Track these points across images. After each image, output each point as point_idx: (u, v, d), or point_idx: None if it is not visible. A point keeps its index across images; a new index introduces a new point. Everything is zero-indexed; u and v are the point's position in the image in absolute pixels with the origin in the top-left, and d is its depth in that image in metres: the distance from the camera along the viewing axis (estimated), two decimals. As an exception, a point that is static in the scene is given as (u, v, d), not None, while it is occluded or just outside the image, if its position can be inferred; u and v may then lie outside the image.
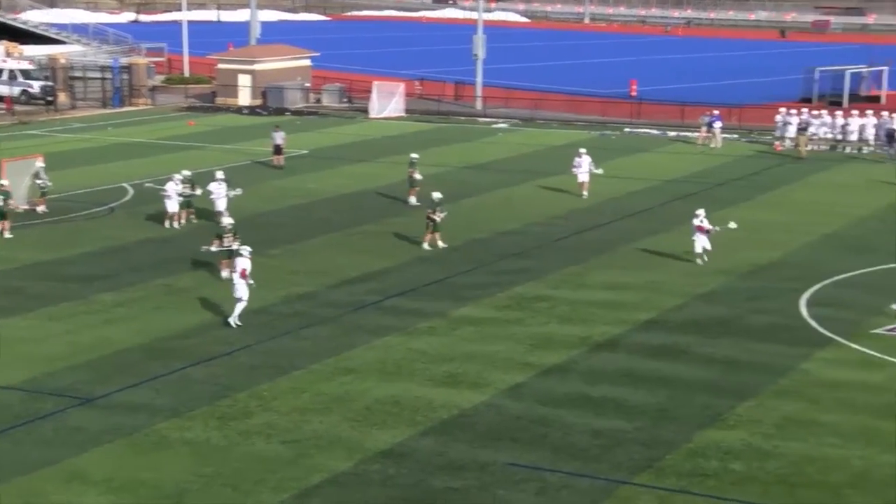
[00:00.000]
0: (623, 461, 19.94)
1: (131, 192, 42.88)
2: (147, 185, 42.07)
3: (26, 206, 39.91)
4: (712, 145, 55.94)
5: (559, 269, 32.98)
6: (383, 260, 33.87)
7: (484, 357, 25.40)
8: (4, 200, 36.94)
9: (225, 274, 30.52)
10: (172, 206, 37.68)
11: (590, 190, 43.38)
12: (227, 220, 31.57)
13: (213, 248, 30.89)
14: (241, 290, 27.24)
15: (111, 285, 30.97)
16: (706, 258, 32.98)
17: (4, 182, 37.85)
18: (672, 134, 60.74)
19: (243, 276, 27.14)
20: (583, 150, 44.21)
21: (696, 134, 57.71)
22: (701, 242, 32.97)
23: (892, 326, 27.42)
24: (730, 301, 29.74)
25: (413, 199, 41.45)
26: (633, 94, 73.84)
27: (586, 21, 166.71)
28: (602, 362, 25.16)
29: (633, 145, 57.21)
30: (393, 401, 22.75)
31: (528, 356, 25.45)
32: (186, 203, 38.29)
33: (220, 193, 37.87)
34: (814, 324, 27.74)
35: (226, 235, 30.75)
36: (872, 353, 25.63)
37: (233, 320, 27.27)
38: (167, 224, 37.69)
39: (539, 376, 24.21)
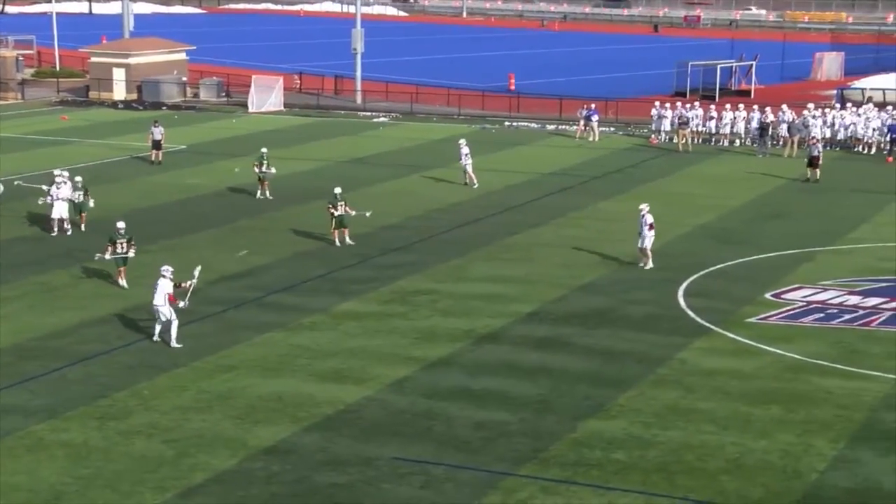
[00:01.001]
0: (506, 453, 20.12)
1: (1, 188, 41.61)
2: (17, 183, 40.23)
3: None
4: (590, 139, 56.74)
5: (441, 262, 33.11)
6: (264, 256, 33.57)
7: (368, 352, 25.38)
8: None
9: (122, 283, 29.67)
10: (60, 210, 35.30)
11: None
12: (121, 225, 30.30)
13: (107, 256, 29.69)
14: (169, 313, 25.53)
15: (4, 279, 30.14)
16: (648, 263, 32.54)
17: None
18: (551, 127, 61.44)
19: (172, 301, 25.49)
20: (462, 141, 45.12)
21: (574, 127, 58.46)
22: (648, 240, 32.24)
23: (764, 315, 28.19)
24: (608, 292, 30.23)
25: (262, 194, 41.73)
26: (512, 87, 74.46)
27: (464, 15, 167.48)
28: (485, 355, 25.34)
29: (513, 139, 57.70)
30: (276, 397, 22.59)
31: (412, 350, 25.51)
32: (79, 208, 36.07)
33: (57, 196, 35.39)
34: (690, 314, 28.37)
35: (119, 241, 29.66)
36: (746, 341, 26.32)
37: (174, 343, 25.44)
38: (55, 231, 35.26)
39: (423, 370, 24.28)
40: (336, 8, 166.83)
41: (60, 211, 35.38)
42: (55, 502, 18.06)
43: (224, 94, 73.19)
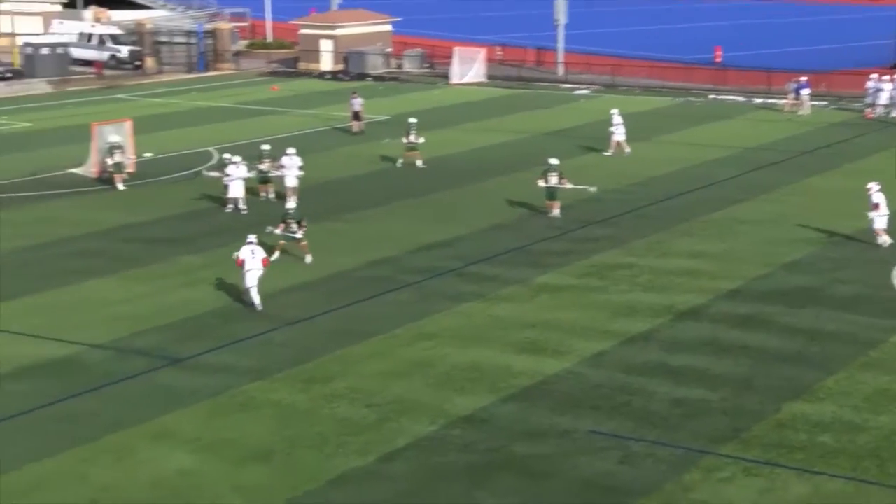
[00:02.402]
0: (706, 431, 19.77)
1: (216, 156, 43.26)
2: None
3: (93, 173, 39.98)
4: (800, 112, 54.95)
5: (641, 237, 32.71)
6: (463, 226, 33.87)
7: (565, 325, 25.32)
8: (121, 153, 38.46)
9: (276, 255, 29.77)
10: (236, 190, 35.41)
11: (674, 157, 42.99)
12: (290, 206, 30.79)
13: (278, 231, 30.36)
14: (258, 278, 26.22)
15: (195, 248, 31.40)
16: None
17: (118, 138, 38.92)
18: (758, 101, 59.77)
19: (265, 264, 26.40)
20: (615, 111, 45.49)
21: (783, 101, 56.72)
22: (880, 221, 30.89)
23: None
24: (814, 271, 29.27)
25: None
26: (718, 60, 72.72)
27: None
28: (685, 331, 24.94)
29: (718, 112, 56.40)
30: (474, 367, 22.80)
31: (610, 324, 25.32)
32: (265, 179, 36.74)
33: (234, 176, 35.47)
34: (903, 295, 27.22)
35: (289, 220, 30.08)
36: (963, 326, 25.07)
37: (258, 304, 26.22)
38: (229, 209, 35.40)
39: (621, 345, 24.08)
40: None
41: (236, 191, 35.37)
42: (264, 459, 18.73)
43: (427, 65, 74.01)
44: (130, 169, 40.35)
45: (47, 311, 26.16)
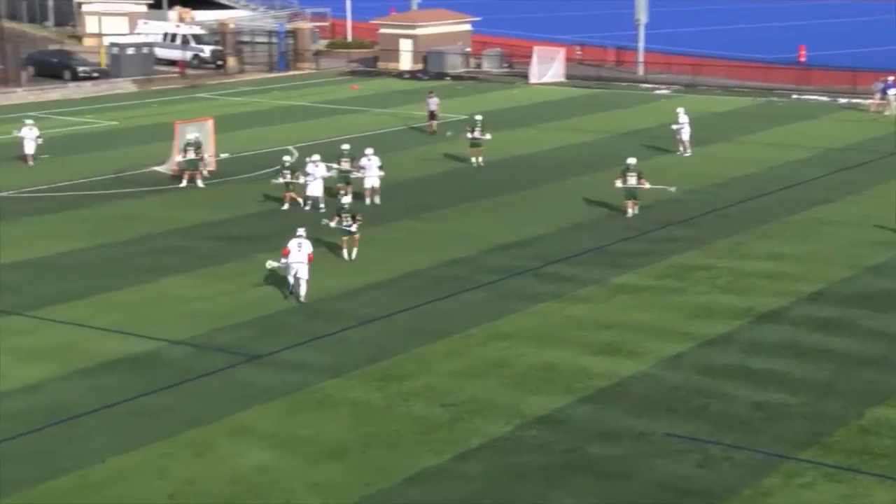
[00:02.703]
0: (786, 435, 19.47)
1: (296, 154, 43.63)
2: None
3: (175, 171, 40.41)
4: (886, 113, 53.90)
5: (721, 238, 32.34)
6: (541, 226, 33.76)
7: (642, 326, 25.12)
8: (195, 152, 38.72)
9: (345, 255, 30.18)
10: (315, 188, 35.53)
11: (755, 158, 42.46)
12: (346, 200, 30.96)
13: (332, 224, 30.47)
14: (306, 272, 26.71)
15: (274, 246, 31.57)
16: None
17: (196, 136, 39.42)
18: (843, 101, 58.75)
19: (311, 260, 26.74)
20: (680, 110, 44.93)
21: (869, 101, 55.69)
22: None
23: None
24: (901, 275, 28.70)
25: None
26: (802, 59, 71.62)
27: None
28: (765, 334, 24.60)
29: (801, 112, 55.56)
30: (549, 367, 22.71)
31: (688, 326, 25.07)
32: (346, 178, 36.73)
33: (315, 175, 35.46)
34: None
35: (344, 214, 30.11)
36: None
37: (303, 299, 26.68)
38: (307, 207, 35.47)
39: (699, 347, 23.83)
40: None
41: (315, 190, 35.45)
42: (340, 456, 18.84)
43: (506, 64, 73.92)
44: (211, 167, 40.87)
45: (129, 307, 26.59)
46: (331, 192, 36.50)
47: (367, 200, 35.62)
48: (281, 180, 36.05)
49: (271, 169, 41.80)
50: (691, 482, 17.92)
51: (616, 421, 20.13)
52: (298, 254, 26.63)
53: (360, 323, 25.43)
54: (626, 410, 20.61)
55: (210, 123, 42.25)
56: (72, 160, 44.15)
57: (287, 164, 36.26)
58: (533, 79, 68.17)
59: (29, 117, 45.96)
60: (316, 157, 36.04)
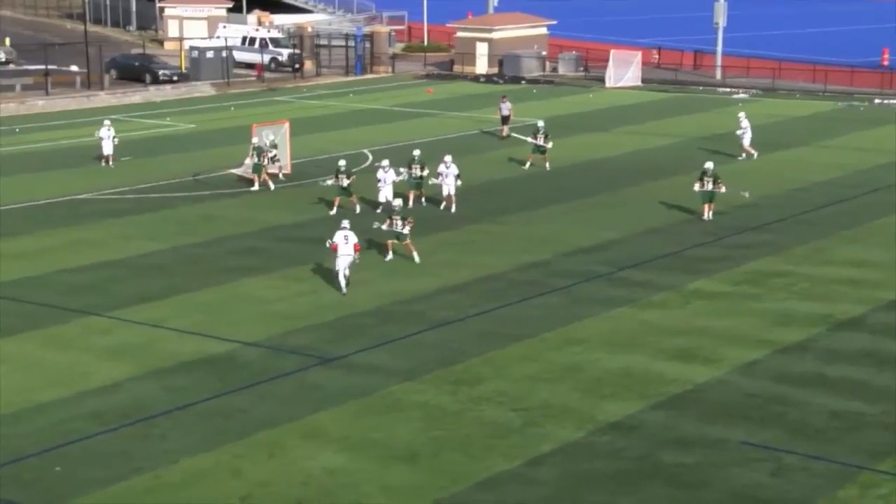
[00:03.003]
0: (864, 445, 19.11)
1: (371, 158, 43.84)
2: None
3: (243, 173, 40.70)
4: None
5: (800, 243, 31.87)
6: (616, 230, 33.54)
7: (718, 332, 24.83)
8: (258, 156, 38.92)
9: (388, 256, 30.36)
10: (385, 193, 35.30)
11: (837, 162, 41.81)
12: (397, 203, 30.95)
13: (384, 227, 30.44)
14: (352, 261, 27.60)
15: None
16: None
17: (255, 140, 39.63)
18: (926, 105, 57.66)
19: (357, 249, 27.54)
20: (742, 114, 45.15)
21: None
22: None
23: None
24: None
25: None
26: (885, 63, 70.34)
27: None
28: (843, 342, 24.18)
29: (884, 117, 54.57)
30: (623, 372, 22.54)
31: (765, 333, 24.72)
32: (417, 184, 36.33)
33: (385, 181, 35.61)
34: None
35: (395, 217, 30.10)
36: None
37: (345, 289, 27.52)
38: (379, 211, 35.08)
39: (775, 354, 23.49)
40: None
41: (386, 194, 35.35)
42: (410, 460, 18.87)
43: (582, 68, 73.62)
44: (287, 170, 41.23)
45: (207, 308, 26.90)
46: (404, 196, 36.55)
47: (442, 206, 35.58)
48: (329, 182, 36.23)
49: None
50: (766, 491, 17.66)
51: (690, 428, 19.92)
52: (345, 246, 27.26)
53: (434, 326, 25.46)
54: (701, 417, 20.38)
55: (286, 126, 42.62)
56: (151, 162, 44.84)
57: (343, 169, 35.77)
58: (609, 82, 67.82)
59: (108, 118, 46.72)
60: (385, 162, 36.10)
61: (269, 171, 40.35)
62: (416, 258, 30.25)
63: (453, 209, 35.69)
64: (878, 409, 20.58)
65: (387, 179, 35.65)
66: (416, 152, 36.95)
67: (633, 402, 21.05)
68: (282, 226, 34.60)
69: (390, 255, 30.39)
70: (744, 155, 44.17)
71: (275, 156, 40.55)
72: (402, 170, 36.45)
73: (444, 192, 35.96)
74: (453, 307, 26.77)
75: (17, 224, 34.80)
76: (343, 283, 27.50)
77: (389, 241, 30.46)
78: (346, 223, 27.81)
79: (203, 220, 35.41)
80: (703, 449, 19.10)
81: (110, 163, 43.90)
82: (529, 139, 42.85)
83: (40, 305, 26.99)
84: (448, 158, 36.10)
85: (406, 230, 30.08)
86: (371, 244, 31.42)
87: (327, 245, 27.69)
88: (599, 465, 18.64)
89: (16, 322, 25.78)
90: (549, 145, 42.37)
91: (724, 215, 34.87)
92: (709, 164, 34.83)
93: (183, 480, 18.21)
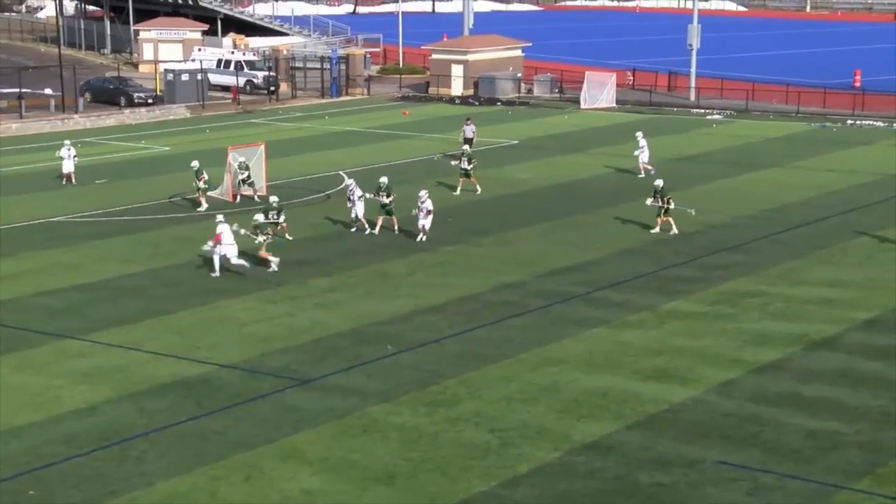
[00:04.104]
0: (841, 465, 19.20)
1: (347, 180, 43.83)
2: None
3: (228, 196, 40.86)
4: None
5: (774, 264, 32.05)
6: (591, 251, 33.65)
7: (694, 352, 24.93)
8: (196, 178, 39.29)
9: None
10: (358, 210, 35.86)
11: (810, 183, 42.14)
12: (274, 198, 33.98)
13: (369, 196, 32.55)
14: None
15: (324, 270, 31.82)
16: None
17: (241, 160, 40.52)
18: (898, 126, 58.15)
19: (217, 240, 30.77)
20: (639, 133, 46.01)
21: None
22: None
23: None
24: (958, 302, 28.25)
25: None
26: (857, 84, 71.00)
27: (808, 9, 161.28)
28: (819, 361, 24.30)
29: (856, 138, 55.05)
30: (600, 393, 22.58)
31: (741, 353, 24.83)
32: (388, 211, 35.80)
33: (354, 199, 35.95)
34: None
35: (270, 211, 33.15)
36: None
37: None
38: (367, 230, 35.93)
39: (751, 373, 23.58)
40: (673, 3, 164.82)
41: (357, 211, 35.90)
42: (388, 481, 18.82)
43: (557, 90, 73.94)
44: (262, 192, 41.19)
45: (183, 330, 26.79)
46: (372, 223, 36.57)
47: (418, 239, 35.02)
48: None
49: (321, 193, 42.14)
50: (743, 511, 17.70)
51: (667, 448, 19.96)
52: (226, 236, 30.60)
53: (411, 347, 25.44)
54: (677, 437, 20.43)
55: (262, 148, 42.59)
56: (127, 185, 44.70)
57: (384, 186, 35.68)
58: (584, 104, 68.13)
59: (68, 140, 47.21)
60: (350, 181, 36.52)
61: (244, 192, 40.37)
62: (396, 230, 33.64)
63: (422, 238, 35.09)
64: (855, 428, 20.68)
65: (353, 198, 35.85)
66: (383, 179, 36.16)
67: (610, 423, 21.09)
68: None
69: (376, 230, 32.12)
70: (643, 173, 45.01)
71: (247, 177, 40.56)
72: (368, 195, 36.03)
73: (419, 225, 35.19)
74: (429, 328, 26.76)
75: (-9, 247, 34.59)
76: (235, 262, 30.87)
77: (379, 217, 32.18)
78: (221, 217, 31.34)
79: (179, 242, 35.28)
80: (680, 469, 19.14)
81: (73, 181, 44.47)
82: (454, 163, 42.77)
83: (15, 329, 26.82)
84: (423, 194, 35.16)
85: (281, 218, 33.67)
86: (349, 255, 31.49)
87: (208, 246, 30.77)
88: (577, 485, 18.64)
89: (-10, 345, 25.61)
90: (472, 166, 42.16)
91: (699, 235, 35.05)
92: (658, 182, 36.00)
93: (160, 503, 18.10)
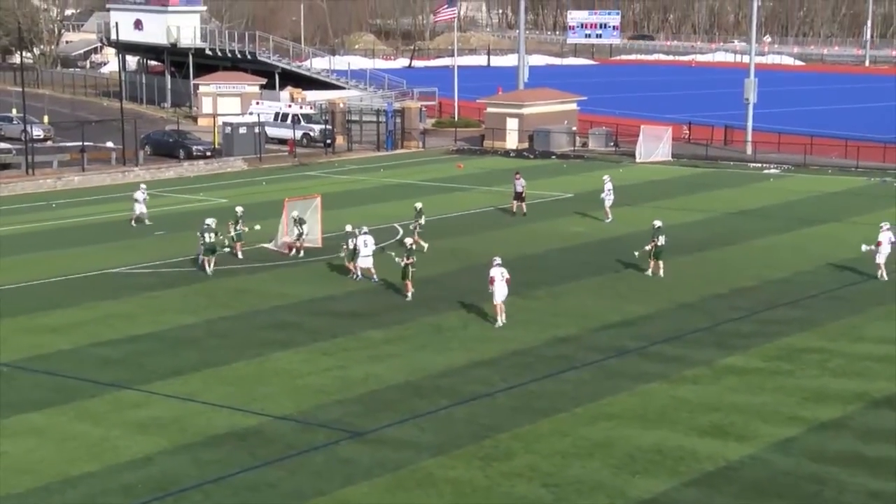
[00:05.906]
0: (902, 526, 18.82)
1: (400, 232, 44.00)
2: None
3: (280, 248, 41.27)
4: None
5: (833, 319, 31.64)
6: (647, 305, 33.43)
7: (751, 408, 24.60)
8: (234, 226, 40.27)
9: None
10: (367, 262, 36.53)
11: (870, 238, 41.62)
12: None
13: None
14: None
15: (379, 322, 31.87)
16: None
17: (294, 213, 40.95)
18: (959, 180, 57.39)
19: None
20: (607, 177, 47.41)
21: None
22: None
23: None
24: None
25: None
26: (917, 138, 70.25)
27: (867, 63, 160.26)
28: (881, 420, 23.88)
29: (915, 192, 54.37)
30: (656, 449, 22.33)
31: (799, 410, 24.47)
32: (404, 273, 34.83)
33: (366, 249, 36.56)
34: None
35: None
36: None
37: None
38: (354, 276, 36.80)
39: (811, 431, 23.22)
40: (729, 58, 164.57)
41: (367, 263, 36.60)
42: (439, 536, 18.72)
43: (612, 143, 73.94)
44: (319, 244, 41.46)
45: (238, 381, 26.92)
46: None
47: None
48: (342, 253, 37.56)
49: (377, 246, 42.24)
50: (802, 572, 17.37)
51: (724, 506, 19.66)
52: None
53: (465, 401, 25.35)
54: (735, 495, 20.13)
55: (318, 200, 42.91)
56: (184, 236, 45.14)
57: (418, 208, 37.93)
58: (640, 157, 68.01)
59: (143, 183, 48.97)
60: (364, 228, 37.00)
61: (296, 245, 40.80)
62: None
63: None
64: (916, 488, 20.29)
65: (367, 246, 36.32)
66: (408, 240, 35.65)
67: (666, 480, 20.83)
68: (312, 299, 34.70)
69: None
70: (609, 218, 46.12)
71: (301, 232, 40.80)
72: (397, 259, 35.62)
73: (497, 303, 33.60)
74: (482, 381, 26.67)
75: (53, 298, 35.07)
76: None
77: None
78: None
79: (235, 293, 35.56)
80: (738, 527, 18.84)
81: (145, 222, 46.89)
82: (412, 225, 42.69)
83: (73, 379, 27.10)
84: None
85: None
86: (402, 307, 31.53)
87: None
88: (632, 543, 18.40)
89: (49, 395, 25.89)
90: (419, 225, 42.27)
91: (757, 291, 34.69)
92: (657, 222, 37.01)
93: (212, 555, 18.10)
